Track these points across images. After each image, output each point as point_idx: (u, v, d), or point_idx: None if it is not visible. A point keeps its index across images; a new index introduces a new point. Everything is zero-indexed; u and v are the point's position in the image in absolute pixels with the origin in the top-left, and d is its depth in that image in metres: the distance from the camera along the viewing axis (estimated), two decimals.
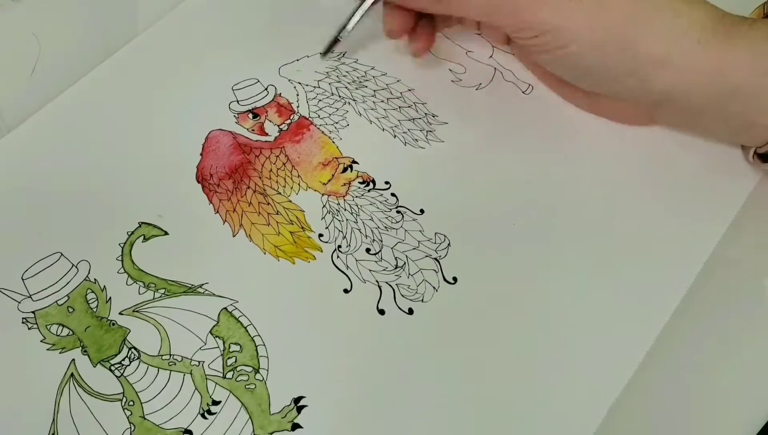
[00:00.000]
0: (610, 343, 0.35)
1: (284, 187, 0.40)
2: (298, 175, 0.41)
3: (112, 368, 0.35)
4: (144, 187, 0.40)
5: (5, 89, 0.44)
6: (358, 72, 0.45)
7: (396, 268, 0.38)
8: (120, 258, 0.38)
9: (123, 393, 0.34)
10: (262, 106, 0.43)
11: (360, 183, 0.41)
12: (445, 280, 0.37)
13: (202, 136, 0.42)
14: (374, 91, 0.44)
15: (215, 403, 0.34)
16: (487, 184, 0.40)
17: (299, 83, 0.45)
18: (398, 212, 0.40)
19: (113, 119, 0.43)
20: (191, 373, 0.35)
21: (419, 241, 0.39)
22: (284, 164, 0.41)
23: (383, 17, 0.42)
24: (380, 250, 0.38)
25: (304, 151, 0.42)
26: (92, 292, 0.37)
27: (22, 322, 0.36)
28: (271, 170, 0.41)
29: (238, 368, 0.35)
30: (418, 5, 0.40)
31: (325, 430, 0.33)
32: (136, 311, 0.36)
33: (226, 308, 0.36)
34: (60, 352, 0.35)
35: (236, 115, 0.43)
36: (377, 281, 0.37)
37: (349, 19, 0.42)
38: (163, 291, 0.37)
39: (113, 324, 0.36)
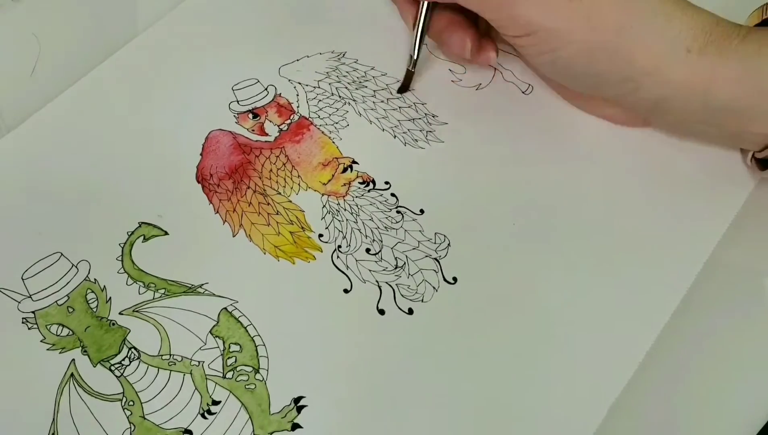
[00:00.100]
0: (609, 344, 0.35)
1: (284, 187, 0.41)
2: (298, 175, 0.41)
3: (112, 368, 0.35)
4: (144, 187, 0.40)
5: (5, 89, 0.44)
6: (358, 72, 0.45)
7: (396, 268, 0.38)
8: (120, 258, 0.38)
9: (123, 393, 0.34)
10: (262, 106, 0.43)
11: (360, 183, 0.41)
12: (445, 280, 0.37)
13: (202, 136, 0.42)
14: (374, 91, 0.44)
15: (215, 403, 0.34)
16: (487, 185, 0.40)
17: (299, 83, 0.45)
18: (398, 212, 0.40)
19: (113, 119, 0.43)
20: (191, 373, 0.35)
21: (419, 241, 0.39)
22: (284, 164, 0.41)
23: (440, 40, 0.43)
24: (380, 250, 0.38)
25: (304, 152, 0.42)
26: (92, 292, 0.37)
27: (22, 322, 0.36)
28: (271, 170, 0.41)
29: (238, 368, 0.35)
30: None
31: (325, 430, 0.33)
32: (136, 311, 0.36)
33: (226, 308, 0.36)
34: (60, 352, 0.35)
35: (236, 115, 0.43)
36: (377, 281, 0.37)
37: (415, 48, 0.42)
38: (163, 291, 0.37)
39: (113, 324, 0.36)
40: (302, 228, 0.39)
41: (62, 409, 0.34)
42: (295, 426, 0.33)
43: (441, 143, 0.42)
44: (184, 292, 0.37)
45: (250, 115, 0.43)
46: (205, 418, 0.34)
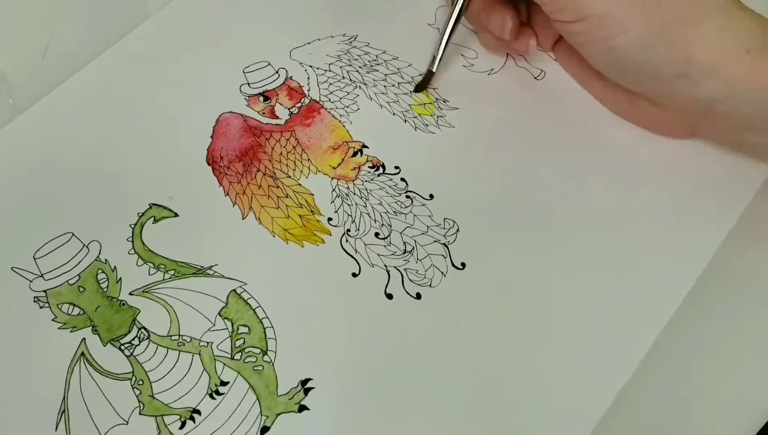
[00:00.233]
0: (613, 334, 0.35)
1: (294, 170, 0.41)
2: (308, 159, 0.41)
3: (122, 348, 0.35)
4: (155, 169, 0.41)
5: (18, 70, 0.44)
6: (369, 56, 0.45)
7: (404, 252, 0.38)
8: (131, 239, 0.38)
9: (132, 372, 0.34)
10: (273, 89, 0.43)
11: (370, 167, 0.41)
12: (453, 265, 0.37)
13: (213, 118, 0.42)
14: (385, 75, 0.44)
15: (223, 383, 0.34)
16: (497, 170, 0.40)
17: (310, 66, 0.44)
18: (407, 197, 0.40)
19: (124, 101, 0.43)
20: (200, 354, 0.35)
21: (428, 226, 0.39)
22: (294, 147, 0.41)
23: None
24: (389, 235, 0.38)
25: (314, 135, 0.42)
26: (103, 272, 0.37)
27: (34, 301, 0.36)
28: (281, 153, 0.41)
29: (246, 350, 0.35)
30: None
31: (331, 412, 0.33)
32: (146, 292, 0.37)
33: (234, 290, 0.37)
34: (71, 331, 0.36)
35: (247, 97, 0.43)
36: (385, 266, 0.37)
37: (439, 50, 0.42)
38: (172, 272, 0.37)
39: (123, 304, 0.36)
40: (311, 211, 0.39)
41: (72, 387, 0.34)
42: (302, 408, 0.34)
43: (452, 128, 0.42)
44: (193, 273, 0.37)
45: (261, 98, 0.43)
46: (213, 398, 0.34)
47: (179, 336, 0.35)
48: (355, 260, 0.38)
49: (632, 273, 0.37)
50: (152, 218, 0.39)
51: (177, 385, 0.34)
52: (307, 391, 0.34)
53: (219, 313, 0.36)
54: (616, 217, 0.39)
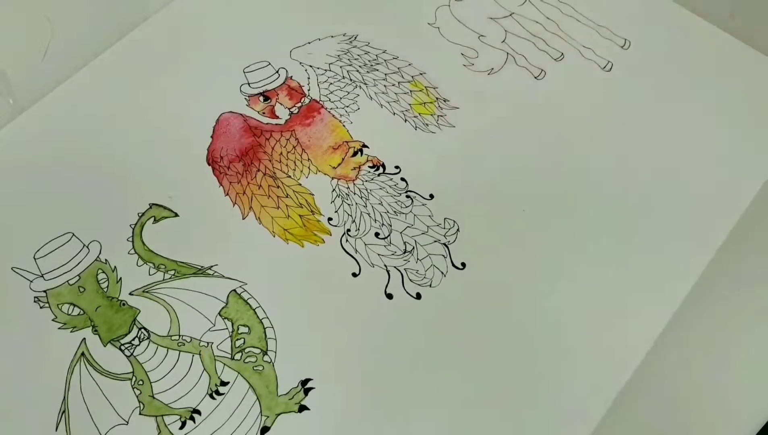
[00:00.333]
0: (613, 336, 0.35)
1: (294, 170, 0.40)
2: (308, 159, 0.41)
3: (122, 348, 0.35)
4: (155, 169, 0.40)
5: (18, 70, 0.44)
6: (369, 55, 0.45)
7: (404, 252, 0.38)
8: (131, 239, 0.38)
9: (133, 372, 0.34)
10: (273, 89, 0.43)
11: (370, 167, 0.41)
12: (453, 265, 0.37)
13: (213, 118, 0.42)
14: (385, 74, 0.44)
15: (223, 383, 0.34)
16: (497, 170, 0.40)
17: (310, 66, 0.44)
18: (408, 197, 0.40)
19: (124, 101, 0.43)
20: (200, 354, 0.35)
21: (428, 226, 0.38)
22: (294, 147, 0.41)
23: None
24: (389, 235, 0.38)
25: (314, 135, 0.42)
26: (103, 272, 0.37)
27: (34, 301, 0.36)
28: (281, 153, 0.41)
29: (247, 350, 0.35)
30: None
31: (331, 412, 0.33)
32: (146, 292, 0.37)
33: (235, 290, 0.36)
34: (71, 331, 0.36)
35: (247, 97, 0.43)
36: (386, 265, 0.37)
37: None
38: (173, 272, 0.37)
39: (123, 304, 0.36)
40: (312, 211, 0.39)
41: (73, 387, 0.34)
42: (303, 408, 0.34)
43: (452, 128, 0.42)
44: (193, 273, 0.37)
45: (261, 98, 0.43)
46: (213, 398, 0.34)
47: (179, 336, 0.35)
48: (356, 260, 0.37)
49: (632, 273, 0.37)
50: (152, 218, 0.39)
51: (177, 385, 0.34)
52: (307, 391, 0.34)
53: (219, 313, 0.36)
54: (616, 218, 0.38)
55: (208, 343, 0.35)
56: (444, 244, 0.38)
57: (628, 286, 0.36)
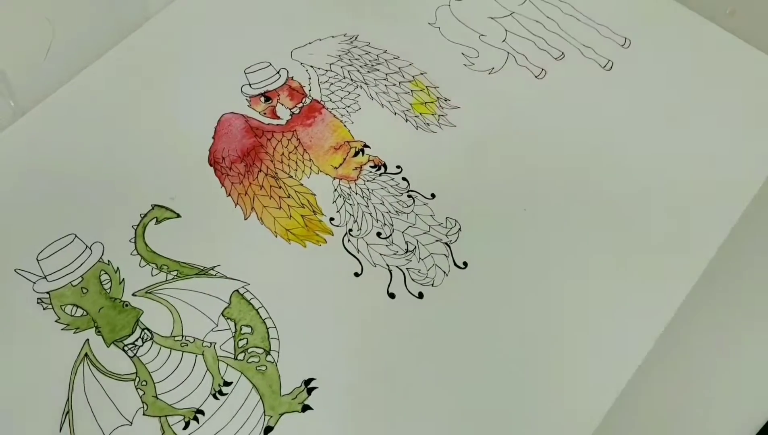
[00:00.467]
0: (613, 338, 0.35)
1: (296, 170, 0.41)
2: (310, 159, 0.41)
3: (126, 349, 0.35)
4: (157, 170, 0.41)
5: (20, 72, 0.44)
6: (370, 55, 0.45)
7: (406, 252, 0.38)
8: (133, 240, 0.38)
9: (136, 373, 0.35)
10: (274, 89, 0.43)
11: (371, 167, 0.41)
12: (455, 264, 0.37)
13: (215, 119, 0.42)
14: (386, 74, 0.44)
15: (227, 384, 0.34)
16: (498, 169, 0.40)
17: (311, 66, 0.44)
18: (409, 196, 0.40)
19: (126, 103, 0.43)
20: (203, 354, 0.35)
21: (430, 226, 0.39)
22: (296, 148, 0.41)
23: None
24: (391, 234, 0.38)
25: (315, 135, 0.42)
26: (106, 273, 0.37)
27: (37, 303, 0.36)
28: (282, 154, 0.41)
29: (250, 350, 0.35)
30: None
31: (335, 412, 0.34)
32: (149, 293, 0.37)
33: (237, 290, 0.37)
34: (74, 333, 0.36)
35: (248, 98, 0.43)
36: (388, 265, 0.37)
37: None
38: (175, 273, 0.37)
39: (126, 305, 0.36)
40: (313, 211, 0.39)
41: (76, 388, 0.34)
42: (306, 407, 0.34)
43: (453, 127, 0.42)
44: (196, 274, 0.37)
45: (262, 99, 0.43)
46: (216, 398, 0.34)
47: (182, 337, 0.35)
48: (358, 260, 0.38)
49: (633, 273, 0.37)
50: (155, 219, 0.39)
51: (180, 386, 0.34)
52: (310, 390, 0.34)
53: (222, 314, 0.36)
54: (617, 217, 0.39)
55: (211, 343, 0.35)
56: (446, 243, 0.38)
57: (628, 285, 0.36)
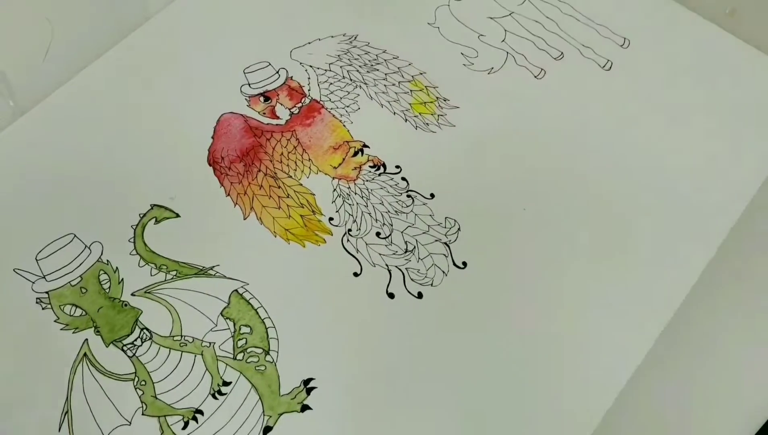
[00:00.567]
0: (613, 338, 0.35)
1: (295, 170, 0.41)
2: (309, 159, 0.41)
3: (125, 348, 0.35)
4: (156, 170, 0.41)
5: (19, 72, 0.44)
6: (369, 55, 0.45)
7: (406, 252, 0.38)
8: (132, 240, 0.38)
9: (135, 373, 0.35)
10: (274, 89, 0.43)
11: (371, 167, 0.41)
12: (454, 264, 0.37)
13: (214, 119, 0.42)
14: (385, 74, 0.44)
15: (226, 383, 0.34)
16: (498, 169, 0.40)
17: (310, 66, 0.44)
18: (409, 196, 0.40)
19: (125, 103, 0.43)
20: (202, 354, 0.35)
21: (429, 226, 0.39)
22: (295, 147, 0.41)
23: None
24: (390, 234, 0.38)
25: (314, 135, 0.42)
26: (105, 273, 0.37)
27: (36, 302, 0.36)
28: (282, 153, 0.41)
29: (249, 350, 0.35)
30: None
31: (334, 412, 0.34)
32: (148, 292, 0.37)
33: (236, 290, 0.37)
34: (73, 332, 0.36)
35: (248, 98, 0.43)
36: (387, 265, 0.37)
37: None
38: (174, 273, 0.37)
39: (125, 305, 0.36)
40: (313, 211, 0.39)
41: (75, 387, 0.34)
42: (305, 407, 0.34)
43: (452, 127, 0.42)
44: (195, 274, 0.37)
45: (262, 98, 0.43)
46: (215, 398, 0.34)
47: (181, 336, 0.35)
48: (357, 260, 0.38)
49: (633, 272, 0.37)
50: (154, 219, 0.39)
51: (179, 386, 0.34)
52: (309, 390, 0.34)
53: (221, 314, 0.36)
54: (617, 217, 0.39)
55: (210, 343, 0.35)
56: (445, 243, 0.38)
57: (628, 285, 0.36)
